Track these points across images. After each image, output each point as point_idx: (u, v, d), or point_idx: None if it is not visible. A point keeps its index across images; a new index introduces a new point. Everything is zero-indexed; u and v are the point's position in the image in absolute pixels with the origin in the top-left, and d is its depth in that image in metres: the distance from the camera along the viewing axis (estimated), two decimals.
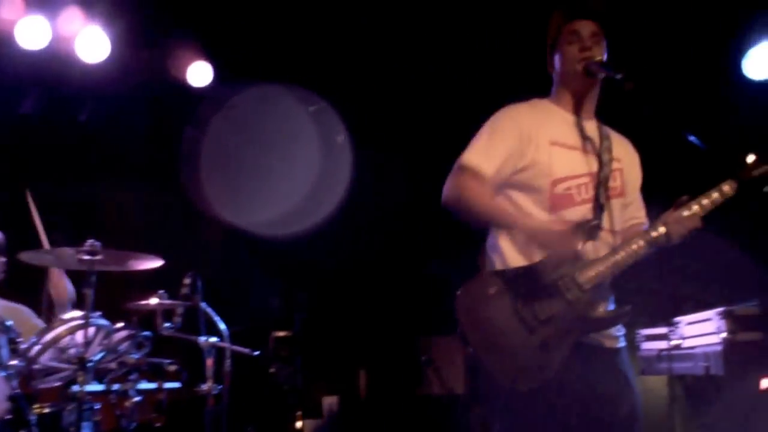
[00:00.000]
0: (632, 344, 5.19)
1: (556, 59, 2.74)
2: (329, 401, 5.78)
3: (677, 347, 4.70)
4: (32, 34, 5.12)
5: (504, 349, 2.46)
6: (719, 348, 4.23)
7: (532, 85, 2.82)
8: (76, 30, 5.24)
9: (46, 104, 5.61)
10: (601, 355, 2.57)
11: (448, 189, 2.65)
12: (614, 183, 2.67)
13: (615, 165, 2.69)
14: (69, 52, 5.27)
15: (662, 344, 4.88)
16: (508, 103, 2.78)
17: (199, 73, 5.83)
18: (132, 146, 5.85)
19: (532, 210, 2.60)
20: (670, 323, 4.80)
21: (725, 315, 4.24)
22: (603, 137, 2.70)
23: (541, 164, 2.60)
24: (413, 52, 5.55)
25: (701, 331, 4.47)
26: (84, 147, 5.84)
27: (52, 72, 5.38)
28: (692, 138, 2.60)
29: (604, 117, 2.81)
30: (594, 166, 2.63)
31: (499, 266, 2.64)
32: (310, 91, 5.96)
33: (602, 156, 2.65)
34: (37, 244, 4.00)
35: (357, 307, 6.14)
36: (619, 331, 2.64)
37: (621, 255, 2.54)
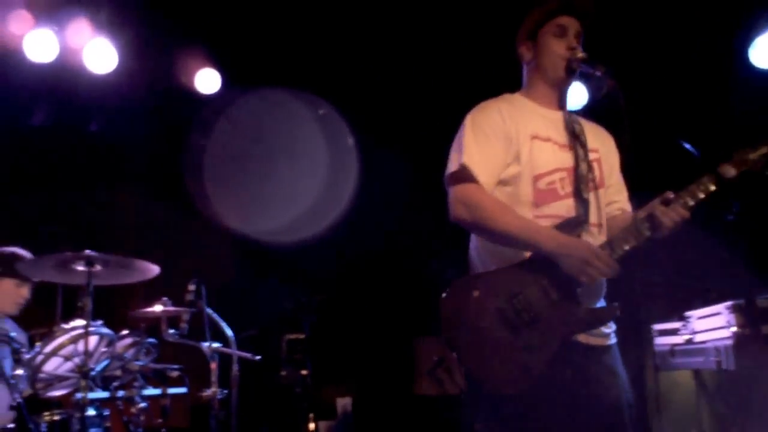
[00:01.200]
0: (647, 339, 5.14)
1: (535, 50, 2.70)
2: (343, 402, 5.80)
3: (689, 342, 4.64)
4: (40, 47, 5.19)
5: (488, 352, 2.42)
6: (730, 342, 4.16)
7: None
8: (84, 42, 5.32)
9: (57, 116, 5.71)
10: (587, 354, 2.52)
11: (458, 205, 2.52)
12: (593, 174, 2.63)
13: (592, 156, 2.65)
14: (77, 63, 5.34)
15: (675, 339, 4.82)
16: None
17: (207, 80, 5.88)
18: (140, 154, 5.93)
19: (516, 207, 2.54)
20: (681, 318, 4.74)
21: (735, 309, 4.16)
22: (577, 130, 2.66)
23: (523, 160, 2.56)
24: (419, 56, 5.57)
25: (712, 325, 4.40)
26: (95, 156, 5.93)
27: (62, 84, 5.47)
28: (686, 145, 2.55)
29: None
30: (570, 160, 2.60)
31: (481, 268, 2.61)
32: (318, 96, 5.99)
33: (578, 149, 2.61)
34: None
35: (367, 308, 6.16)
36: (608, 327, 2.60)
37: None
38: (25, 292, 4.09)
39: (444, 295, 2.51)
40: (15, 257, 3.92)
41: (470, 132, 2.58)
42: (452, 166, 2.57)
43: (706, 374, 4.80)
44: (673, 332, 4.81)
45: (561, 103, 2.72)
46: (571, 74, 2.64)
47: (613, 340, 2.62)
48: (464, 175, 2.52)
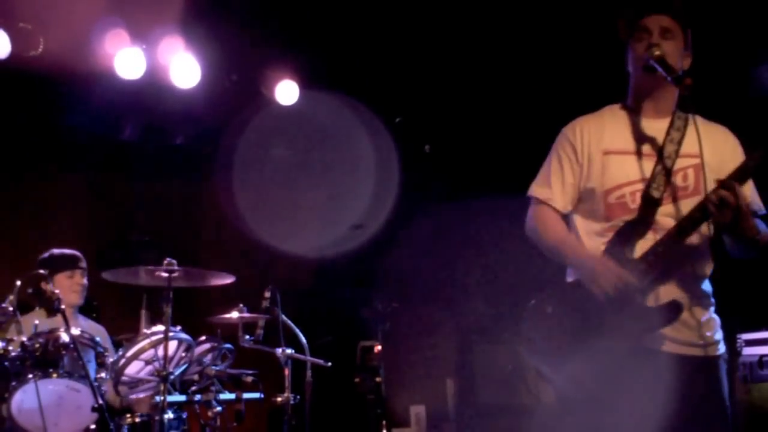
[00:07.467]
0: (733, 349, 4.94)
1: (628, 58, 2.63)
2: (416, 410, 5.81)
3: None
4: (130, 64, 5.42)
5: (561, 359, 2.53)
6: None
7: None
8: (169, 58, 5.53)
9: (145, 130, 5.97)
10: (674, 364, 2.43)
11: (527, 222, 2.76)
12: (684, 182, 2.51)
13: (686, 162, 2.51)
14: (164, 79, 5.56)
15: (764, 349, 4.64)
16: None
17: (287, 92, 6.01)
18: (222, 165, 6.13)
19: (590, 223, 2.61)
20: None
21: None
22: (673, 132, 2.52)
23: (594, 176, 2.59)
24: (500, 69, 5.57)
25: None
26: (181, 168, 6.18)
27: (149, 100, 5.71)
28: None
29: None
30: (650, 170, 2.52)
31: (569, 277, 2.68)
32: (392, 109, 6.09)
33: (663, 152, 2.51)
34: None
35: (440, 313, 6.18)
36: (702, 339, 2.48)
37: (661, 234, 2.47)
38: (78, 279, 4.29)
39: (527, 307, 2.65)
40: (53, 259, 4.21)
41: (552, 154, 2.74)
42: (534, 189, 2.73)
43: None
44: (764, 342, 4.64)
45: (659, 108, 2.58)
46: (650, 73, 2.49)
47: (717, 351, 2.50)
48: (535, 200, 2.73)
